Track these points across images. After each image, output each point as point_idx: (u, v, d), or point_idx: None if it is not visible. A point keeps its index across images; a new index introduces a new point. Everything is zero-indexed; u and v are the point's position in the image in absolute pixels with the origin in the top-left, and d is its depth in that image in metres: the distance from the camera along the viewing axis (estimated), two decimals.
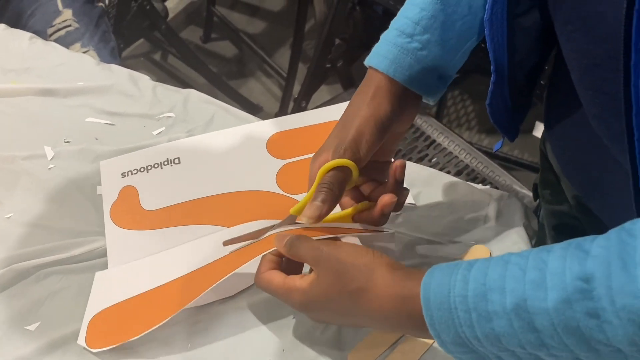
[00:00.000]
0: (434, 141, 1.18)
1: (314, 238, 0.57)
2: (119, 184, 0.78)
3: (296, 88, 1.89)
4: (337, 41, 1.73)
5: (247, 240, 0.64)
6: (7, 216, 0.75)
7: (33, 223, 0.75)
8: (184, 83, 2.10)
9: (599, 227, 0.52)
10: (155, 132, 0.86)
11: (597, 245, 0.41)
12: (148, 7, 1.79)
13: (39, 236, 0.73)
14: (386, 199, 0.59)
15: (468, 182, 0.77)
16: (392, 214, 0.62)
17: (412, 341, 0.61)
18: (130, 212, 0.75)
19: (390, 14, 0.63)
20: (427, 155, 1.16)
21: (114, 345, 0.61)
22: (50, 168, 0.81)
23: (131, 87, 0.92)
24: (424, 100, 0.64)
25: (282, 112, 1.94)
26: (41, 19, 1.22)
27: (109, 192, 0.78)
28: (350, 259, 0.52)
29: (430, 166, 0.81)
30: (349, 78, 1.85)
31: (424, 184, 0.77)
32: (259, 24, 2.40)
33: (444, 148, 1.16)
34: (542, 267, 0.42)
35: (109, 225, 0.74)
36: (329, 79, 1.92)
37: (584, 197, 0.66)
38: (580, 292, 0.40)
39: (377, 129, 0.59)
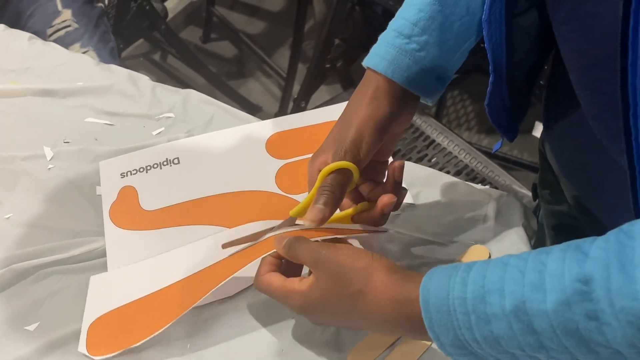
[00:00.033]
0: (434, 141, 1.18)
1: (313, 240, 0.57)
2: (118, 184, 0.78)
3: (296, 88, 1.89)
4: (337, 41, 1.73)
5: (246, 242, 0.64)
6: (7, 216, 0.75)
7: (32, 223, 0.75)
8: (183, 83, 2.10)
9: (598, 227, 0.52)
10: (154, 133, 0.86)
11: (596, 247, 0.41)
12: (147, 7, 1.79)
13: (38, 236, 0.73)
14: (386, 199, 0.59)
15: (467, 182, 0.77)
16: (391, 213, 0.62)
17: (411, 342, 0.61)
18: (130, 212, 0.75)
19: (390, 14, 0.63)
20: (426, 155, 1.16)
21: (116, 352, 0.61)
22: (49, 168, 0.81)
23: (130, 87, 0.92)
24: (422, 101, 0.64)
25: (281, 112, 1.94)
26: (40, 19, 1.22)
27: (108, 193, 0.78)
28: (349, 261, 0.52)
29: (429, 166, 0.81)
30: (349, 78, 1.85)
31: (423, 183, 0.77)
32: (259, 24, 2.40)
33: (444, 148, 1.16)
34: (541, 269, 0.42)
35: (109, 225, 0.74)
36: (329, 79, 1.92)
37: (583, 197, 0.66)
38: (579, 294, 0.40)
39: (377, 130, 0.59)
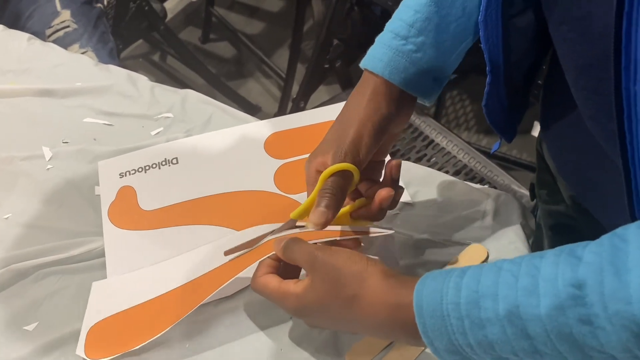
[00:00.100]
0: (433, 141, 1.18)
1: (311, 241, 0.57)
2: (117, 184, 0.78)
3: (295, 88, 1.89)
4: (336, 41, 1.73)
5: (247, 247, 0.64)
6: (6, 217, 0.75)
7: (31, 223, 0.75)
8: (182, 84, 2.10)
9: (596, 227, 0.52)
10: (153, 133, 0.86)
11: (590, 251, 0.41)
12: (146, 7, 1.79)
13: (37, 236, 0.73)
14: (384, 193, 0.59)
15: (465, 182, 0.77)
16: (388, 212, 0.62)
17: None
18: (129, 212, 0.75)
19: (389, 15, 0.63)
20: (425, 155, 1.16)
21: (113, 356, 0.61)
22: (48, 168, 0.81)
23: (129, 87, 0.92)
24: (419, 102, 0.64)
25: (280, 112, 1.94)
26: (40, 20, 1.22)
27: (107, 193, 0.78)
28: (345, 265, 0.52)
29: (428, 166, 0.81)
30: (348, 78, 1.85)
31: (421, 183, 0.77)
32: (258, 24, 2.40)
33: (443, 148, 1.17)
34: (534, 274, 0.42)
35: (107, 225, 0.74)
36: (328, 79, 1.92)
37: (580, 197, 0.66)
38: (573, 298, 0.40)
39: (375, 131, 0.59)
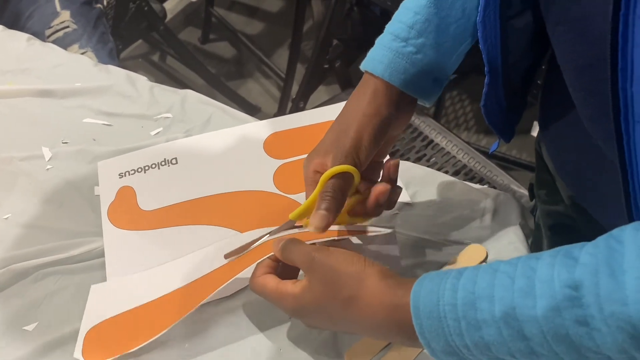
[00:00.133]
0: (432, 141, 1.18)
1: (309, 242, 0.57)
2: (116, 185, 0.78)
3: (294, 89, 1.90)
4: (335, 42, 1.73)
5: (246, 250, 0.64)
6: (5, 217, 0.75)
7: (31, 224, 0.75)
8: (182, 84, 2.10)
9: (595, 228, 0.52)
10: (152, 133, 0.86)
11: (586, 253, 0.41)
12: (146, 8, 1.79)
13: (36, 237, 0.73)
14: (380, 187, 0.59)
15: (464, 182, 0.77)
16: (387, 212, 0.62)
17: None
18: (128, 212, 0.75)
19: (388, 15, 0.63)
20: (425, 155, 1.16)
21: (112, 358, 0.61)
22: (48, 169, 0.81)
23: (129, 88, 0.92)
24: (419, 103, 0.64)
25: (280, 112, 1.94)
26: (39, 20, 1.22)
27: (106, 193, 0.78)
28: (342, 266, 0.52)
29: (428, 166, 0.81)
30: (347, 78, 1.85)
31: (420, 183, 0.77)
32: (257, 24, 2.40)
33: (442, 148, 1.17)
34: (530, 275, 0.42)
35: (107, 225, 0.74)
36: (327, 79, 1.92)
37: (579, 197, 0.66)
38: (569, 299, 0.40)
39: (375, 134, 0.59)
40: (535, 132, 1.74)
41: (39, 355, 0.62)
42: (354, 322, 0.52)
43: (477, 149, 1.16)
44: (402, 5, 0.62)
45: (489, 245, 0.69)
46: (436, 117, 1.88)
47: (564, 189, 0.69)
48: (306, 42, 2.10)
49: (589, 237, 0.43)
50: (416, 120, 1.20)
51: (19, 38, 1.01)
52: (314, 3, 1.93)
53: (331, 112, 0.85)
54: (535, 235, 0.78)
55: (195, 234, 0.72)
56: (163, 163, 0.80)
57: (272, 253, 0.58)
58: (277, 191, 0.76)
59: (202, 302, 0.61)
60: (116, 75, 0.95)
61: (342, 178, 0.57)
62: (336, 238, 0.59)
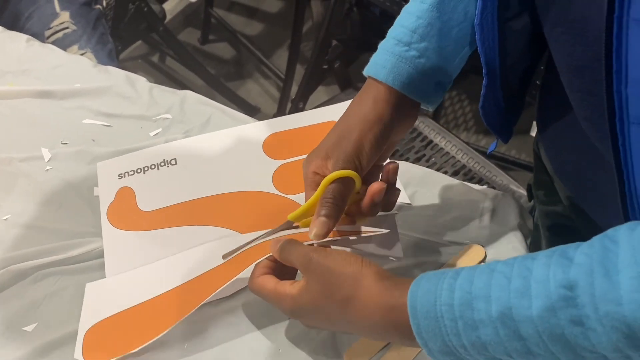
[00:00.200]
0: (431, 141, 1.18)
1: (307, 243, 0.56)
2: (115, 185, 0.79)
3: (294, 89, 1.90)
4: (334, 42, 1.73)
5: (244, 248, 0.64)
6: (5, 218, 0.76)
7: (30, 224, 0.75)
8: (182, 85, 2.10)
9: (593, 228, 0.52)
10: (152, 134, 0.86)
11: (581, 253, 0.41)
12: (145, 9, 1.79)
13: (36, 237, 0.73)
14: (376, 186, 0.58)
15: (463, 182, 0.77)
16: (385, 213, 0.62)
17: None
18: (127, 213, 0.75)
19: (387, 15, 0.63)
20: (424, 155, 1.17)
21: (113, 359, 0.61)
22: (47, 170, 0.81)
23: (128, 88, 0.92)
24: (422, 107, 0.64)
25: (279, 113, 1.94)
26: (39, 21, 1.22)
27: (106, 194, 0.78)
28: (339, 267, 0.52)
29: (427, 166, 0.81)
30: (347, 79, 1.85)
31: (419, 183, 0.77)
32: (257, 25, 2.40)
33: (441, 148, 1.17)
34: (526, 275, 0.42)
35: (106, 226, 0.74)
36: (327, 80, 1.93)
37: (577, 197, 0.66)
38: (564, 299, 0.40)
39: (377, 140, 0.59)
40: (534, 132, 1.74)
41: (39, 356, 0.62)
42: (351, 323, 0.52)
43: (476, 149, 1.16)
44: (404, 9, 0.62)
45: (487, 245, 0.69)
46: (435, 117, 1.88)
47: (562, 189, 0.69)
48: (305, 42, 2.11)
49: (587, 237, 0.43)
50: (415, 120, 1.20)
51: (19, 39, 1.01)
52: (313, 4, 1.93)
53: (330, 112, 0.85)
54: (533, 235, 0.78)
55: (194, 235, 0.72)
56: (162, 164, 0.81)
57: (270, 254, 0.58)
58: (276, 192, 0.76)
59: (201, 303, 0.61)
60: (115, 76, 0.95)
61: (343, 183, 0.57)
62: (332, 239, 0.59)
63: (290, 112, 1.83)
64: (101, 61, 1.16)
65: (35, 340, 0.63)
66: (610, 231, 0.41)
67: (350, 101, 0.64)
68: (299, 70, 1.94)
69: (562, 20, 0.50)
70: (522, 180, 1.07)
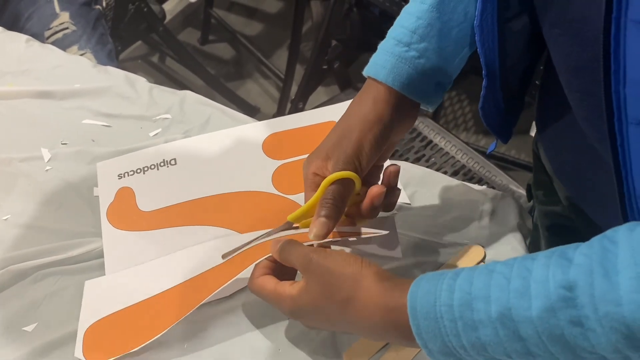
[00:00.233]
0: (431, 141, 1.18)
1: (307, 243, 0.57)
2: (115, 185, 0.79)
3: (293, 89, 1.90)
4: (334, 42, 1.73)
5: (244, 248, 0.64)
6: (5, 218, 0.76)
7: (30, 224, 0.75)
8: (181, 85, 2.10)
9: (593, 228, 0.52)
10: (151, 134, 0.86)
11: (580, 253, 0.41)
12: (145, 9, 1.79)
13: (36, 237, 0.73)
14: (375, 190, 0.59)
15: (462, 182, 0.78)
16: (385, 214, 0.62)
17: None
18: (127, 213, 0.75)
19: (387, 16, 0.63)
20: (424, 155, 1.17)
21: (113, 358, 0.61)
22: (47, 170, 0.81)
23: (128, 89, 0.92)
24: (422, 107, 0.64)
25: (279, 113, 1.94)
26: (38, 21, 1.22)
27: (105, 194, 0.78)
28: (339, 267, 0.52)
29: (427, 166, 0.82)
30: (346, 79, 1.85)
31: (418, 183, 0.77)
32: (257, 25, 2.40)
33: (441, 148, 1.17)
34: (526, 276, 0.42)
35: (106, 226, 0.74)
36: (326, 80, 1.92)
37: (577, 197, 0.66)
38: (564, 300, 0.40)
39: (377, 140, 0.59)
40: (533, 132, 1.74)
41: (39, 356, 0.62)
42: (351, 323, 0.52)
43: (476, 150, 1.16)
44: (404, 10, 0.62)
45: (487, 245, 0.69)
46: (435, 117, 1.88)
47: (561, 189, 0.70)
48: (305, 43, 2.11)
49: (587, 237, 0.43)
50: (415, 120, 1.21)
51: (18, 39, 1.01)
52: (313, 4, 1.93)
53: (330, 112, 0.85)
54: (533, 235, 0.78)
55: (194, 235, 0.72)
56: (162, 164, 0.81)
57: (271, 254, 0.58)
58: (276, 192, 0.76)
59: (201, 302, 0.61)
60: (115, 76, 0.95)
61: (343, 184, 0.57)
62: (332, 239, 0.59)
63: (290, 113, 1.83)
64: (101, 61, 1.16)
65: (35, 340, 0.63)
66: (609, 232, 0.41)
67: (350, 101, 0.64)
68: (299, 71, 1.94)
69: (561, 21, 0.50)
70: (522, 180, 1.07)
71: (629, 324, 0.38)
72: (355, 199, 0.61)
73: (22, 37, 1.02)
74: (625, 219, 0.47)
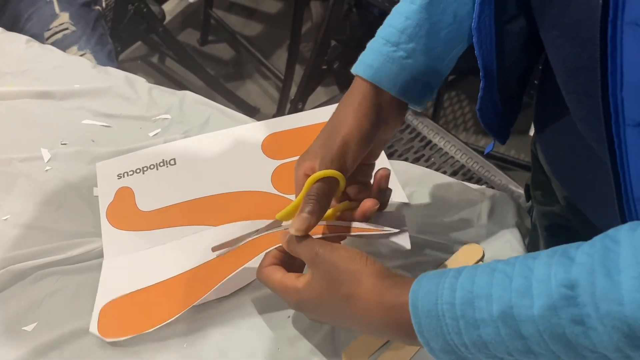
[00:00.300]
0: (430, 141, 1.18)
1: (317, 236, 0.57)
2: (115, 185, 0.79)
3: (293, 90, 1.90)
4: (334, 43, 1.73)
5: (234, 244, 0.64)
6: (4, 218, 0.76)
7: (30, 225, 0.75)
8: (181, 85, 2.10)
9: (591, 228, 0.53)
10: (151, 134, 0.86)
11: (582, 252, 0.41)
12: (145, 10, 1.79)
13: (36, 237, 0.73)
14: (368, 204, 0.59)
15: (461, 181, 0.78)
16: (393, 210, 0.62)
17: None
18: (127, 213, 0.76)
19: (386, 16, 0.63)
20: (423, 155, 1.17)
21: (127, 337, 0.62)
22: (47, 170, 0.82)
23: (127, 89, 0.92)
24: (410, 107, 0.64)
25: (279, 113, 1.94)
26: (38, 22, 1.22)
27: (105, 194, 0.78)
28: (343, 263, 0.52)
29: (426, 166, 0.82)
30: (346, 79, 1.85)
31: (418, 183, 0.77)
32: (256, 26, 2.40)
33: (440, 148, 1.17)
34: (527, 275, 0.43)
35: (105, 226, 0.74)
36: (326, 80, 1.92)
37: (575, 198, 0.66)
38: (566, 299, 0.40)
39: (363, 139, 0.59)
40: (532, 132, 1.74)
41: (39, 356, 0.62)
42: (353, 320, 0.52)
43: (475, 149, 1.16)
44: (394, 9, 0.62)
45: (485, 244, 0.69)
46: (434, 117, 1.88)
47: (559, 190, 0.70)
48: (305, 43, 2.11)
49: (585, 238, 0.43)
50: (414, 120, 1.21)
51: (18, 40, 1.01)
52: (312, 4, 1.94)
53: (329, 113, 0.84)
54: (531, 235, 0.78)
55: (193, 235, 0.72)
56: (161, 164, 0.81)
57: (280, 244, 0.58)
58: (275, 191, 0.77)
59: (201, 300, 0.62)
60: (115, 76, 0.95)
61: (327, 182, 0.57)
62: (345, 233, 0.59)
63: (290, 113, 1.83)
64: (100, 62, 1.16)
65: (35, 340, 0.64)
66: (611, 231, 0.41)
67: None
68: (298, 71, 1.94)
69: (558, 23, 0.51)
70: (521, 180, 1.07)
71: (630, 323, 0.38)
72: (348, 205, 0.61)
73: (22, 38, 1.02)
74: (623, 220, 0.47)
